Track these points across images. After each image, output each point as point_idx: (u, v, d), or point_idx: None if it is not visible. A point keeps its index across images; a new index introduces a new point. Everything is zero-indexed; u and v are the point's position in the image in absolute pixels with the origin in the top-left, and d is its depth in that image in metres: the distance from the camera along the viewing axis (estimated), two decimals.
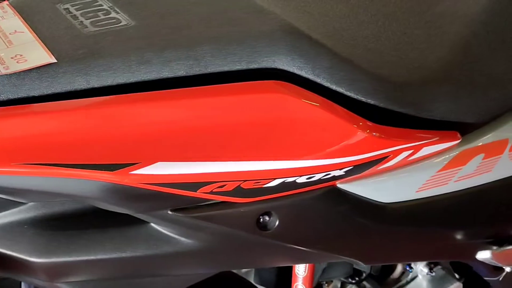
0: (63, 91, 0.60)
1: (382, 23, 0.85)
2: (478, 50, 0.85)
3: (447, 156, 0.80)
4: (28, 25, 0.68)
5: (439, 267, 1.02)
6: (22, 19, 0.70)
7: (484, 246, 0.88)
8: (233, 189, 0.64)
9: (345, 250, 0.78)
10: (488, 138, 0.84)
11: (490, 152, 0.84)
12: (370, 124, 0.68)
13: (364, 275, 1.04)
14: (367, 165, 0.71)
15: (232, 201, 0.66)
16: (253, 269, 1.16)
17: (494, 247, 0.88)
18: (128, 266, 0.69)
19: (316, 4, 0.86)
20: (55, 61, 0.61)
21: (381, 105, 0.69)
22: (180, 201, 0.64)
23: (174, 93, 0.61)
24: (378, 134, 0.68)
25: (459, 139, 0.80)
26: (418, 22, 0.87)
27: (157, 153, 0.60)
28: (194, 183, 0.62)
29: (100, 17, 0.70)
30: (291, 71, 0.66)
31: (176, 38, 0.66)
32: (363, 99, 0.68)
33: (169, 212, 0.65)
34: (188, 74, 0.63)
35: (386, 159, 0.71)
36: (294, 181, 0.66)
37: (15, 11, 0.71)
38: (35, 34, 0.66)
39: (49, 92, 0.60)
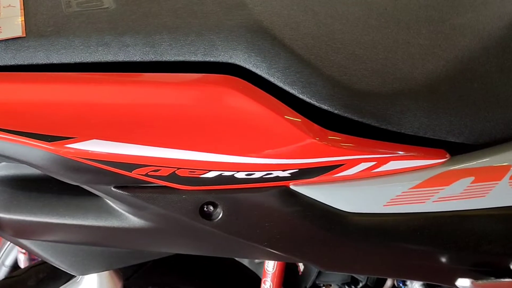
0: (24, 63, 0.65)
1: (390, 30, 0.83)
2: (484, 68, 0.80)
3: (425, 173, 0.76)
4: (23, 0, 0.74)
5: None
6: None
7: (465, 274, 0.83)
8: (168, 175, 0.66)
9: (297, 252, 0.77)
10: (481, 162, 0.79)
11: (482, 176, 0.79)
12: (318, 129, 0.67)
13: (360, 284, 1.02)
14: (318, 171, 0.70)
15: (172, 186, 0.68)
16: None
17: (476, 277, 0.83)
18: (79, 233, 0.73)
19: (329, 4, 0.85)
20: (24, 35, 0.67)
21: (336, 112, 0.68)
22: (120, 179, 0.67)
23: (117, 76, 0.64)
24: (325, 140, 0.67)
25: (445, 158, 0.77)
26: (429, 32, 0.84)
27: (93, 130, 0.63)
28: (129, 164, 0.65)
29: None
30: (247, 68, 0.67)
31: (141, 24, 0.69)
32: (316, 104, 0.68)
33: (113, 189, 0.69)
34: (143, 60, 0.66)
35: (340, 167, 0.70)
36: (233, 175, 0.67)
37: None
38: (22, 9, 0.72)
39: (12, 63, 0.65)
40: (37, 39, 0.66)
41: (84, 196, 0.73)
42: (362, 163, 0.71)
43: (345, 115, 0.69)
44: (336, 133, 0.69)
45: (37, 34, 0.67)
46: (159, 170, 0.66)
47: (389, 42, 0.80)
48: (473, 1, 0.90)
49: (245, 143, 0.66)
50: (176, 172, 0.66)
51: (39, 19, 0.70)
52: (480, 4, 0.90)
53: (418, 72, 0.75)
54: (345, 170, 0.71)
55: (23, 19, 0.70)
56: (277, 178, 0.69)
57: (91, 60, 0.66)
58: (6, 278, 1.01)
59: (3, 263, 1.31)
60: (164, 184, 0.68)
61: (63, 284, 0.91)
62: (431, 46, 0.81)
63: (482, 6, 0.89)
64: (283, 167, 0.68)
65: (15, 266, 1.31)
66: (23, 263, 1.27)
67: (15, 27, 0.69)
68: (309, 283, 1.03)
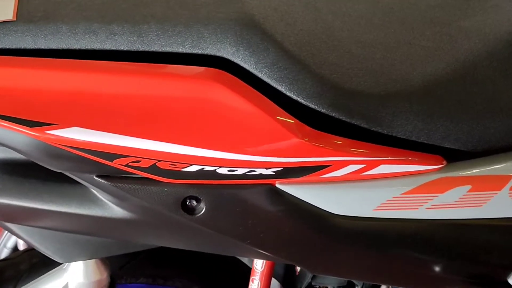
0: (12, 47, 0.65)
1: (393, 30, 0.80)
2: (487, 72, 0.77)
3: (419, 179, 0.74)
4: None
5: None
6: None
7: (459, 284, 0.80)
8: (149, 167, 0.65)
9: (282, 252, 0.75)
10: (480, 170, 0.76)
11: (481, 185, 0.77)
12: (304, 128, 0.65)
13: None
14: (303, 170, 0.68)
15: (153, 178, 0.67)
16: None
17: None
18: (62, 220, 0.73)
19: (333, 0, 0.83)
20: (14, 19, 0.67)
21: (324, 110, 0.67)
22: (102, 168, 0.66)
23: (101, 64, 0.63)
24: (311, 140, 0.65)
25: (441, 164, 0.74)
26: (433, 34, 0.81)
27: (75, 118, 0.62)
28: (109, 153, 0.64)
29: None
30: (235, 62, 0.66)
31: (130, 13, 0.68)
32: (303, 101, 0.66)
33: (95, 178, 0.68)
34: (130, 49, 0.66)
35: (327, 168, 0.68)
36: (215, 171, 0.66)
37: None
38: None
39: (0, 46, 0.65)
40: (26, 24, 0.66)
41: (69, 184, 0.73)
42: (351, 165, 0.69)
43: (333, 114, 0.67)
44: (323, 132, 0.67)
45: (27, 19, 0.67)
46: (140, 161, 0.65)
47: (389, 42, 0.78)
48: (484, 4, 0.87)
49: (228, 139, 0.65)
50: (156, 164, 0.65)
51: (32, 4, 0.69)
52: (490, 7, 0.87)
53: (415, 74, 0.73)
54: (333, 171, 0.69)
55: (17, 3, 0.70)
56: (261, 176, 0.68)
57: (78, 47, 0.65)
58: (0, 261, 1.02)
59: (5, 245, 1.33)
60: (145, 176, 0.67)
61: None
62: (433, 48, 0.78)
63: (491, 9, 0.87)
64: (266, 165, 0.66)
65: (16, 248, 1.32)
66: (22, 246, 1.29)
67: (7, 10, 0.69)
68: (304, 284, 1.02)
